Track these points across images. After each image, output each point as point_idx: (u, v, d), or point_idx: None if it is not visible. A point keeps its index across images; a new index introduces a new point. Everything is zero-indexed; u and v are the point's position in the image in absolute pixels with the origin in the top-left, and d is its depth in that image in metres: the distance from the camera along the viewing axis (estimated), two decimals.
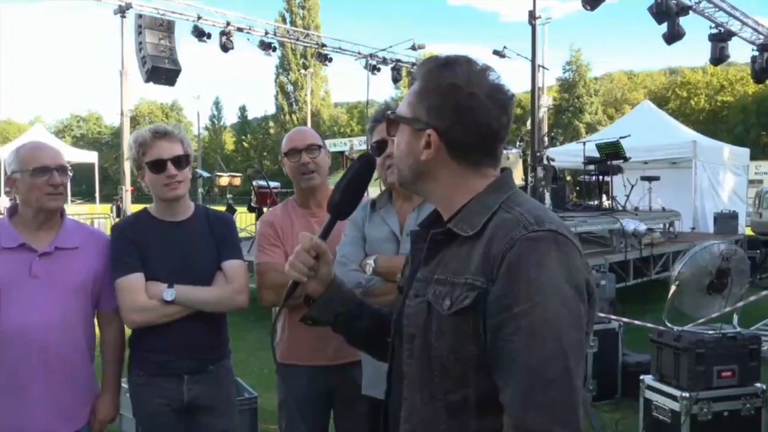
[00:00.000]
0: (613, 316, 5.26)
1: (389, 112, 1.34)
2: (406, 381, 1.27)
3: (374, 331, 1.46)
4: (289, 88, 59.58)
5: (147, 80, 13.51)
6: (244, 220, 11.60)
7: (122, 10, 13.38)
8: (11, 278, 2.18)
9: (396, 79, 19.42)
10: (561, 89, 46.25)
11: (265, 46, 16.14)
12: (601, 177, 11.47)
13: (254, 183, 10.98)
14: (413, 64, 19.35)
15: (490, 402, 1.13)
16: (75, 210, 22.77)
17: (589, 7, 12.03)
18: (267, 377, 5.27)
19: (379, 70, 18.33)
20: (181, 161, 2.39)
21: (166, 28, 13.58)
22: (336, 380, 2.64)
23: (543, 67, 15.88)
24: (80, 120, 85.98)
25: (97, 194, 26.51)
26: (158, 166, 2.36)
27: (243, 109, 71.19)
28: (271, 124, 62.45)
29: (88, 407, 2.40)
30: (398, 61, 18.84)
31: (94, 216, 17.86)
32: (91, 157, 27.09)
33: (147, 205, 2.56)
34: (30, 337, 2.17)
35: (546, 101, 19.41)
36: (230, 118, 74.88)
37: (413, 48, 18.03)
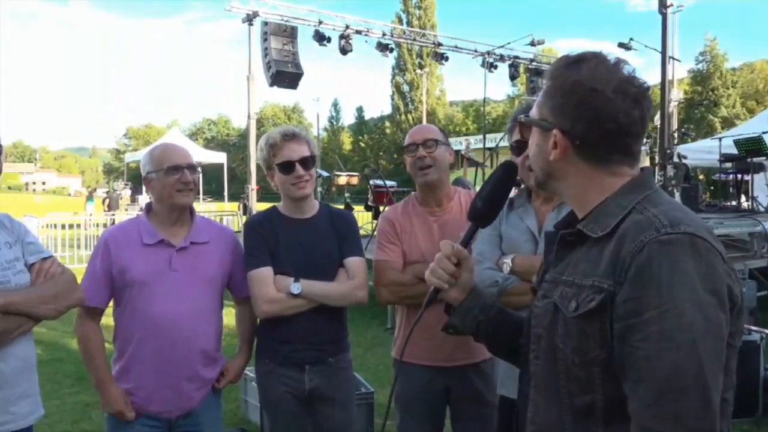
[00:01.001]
0: (753, 327, 4.83)
1: (522, 115, 1.33)
2: (533, 382, 1.26)
3: (516, 338, 1.43)
4: (405, 88, 60.21)
5: (272, 84, 14.16)
6: (361, 218, 11.84)
7: (250, 19, 14.09)
8: (154, 272, 2.38)
9: (513, 77, 18.96)
10: (693, 82, 43.31)
11: (383, 48, 16.33)
12: (739, 176, 10.62)
13: (371, 182, 11.19)
14: (531, 60, 18.83)
15: (618, 410, 1.08)
16: (206, 207, 24.34)
17: None
18: (383, 373, 5.36)
19: (496, 67, 17.93)
20: (307, 162, 2.52)
21: (290, 33, 14.16)
22: (452, 381, 2.63)
23: (674, 58, 14.87)
24: (211, 123, 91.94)
25: (225, 193, 28.12)
26: (287, 167, 2.50)
27: (360, 110, 72.94)
28: (387, 124, 63.41)
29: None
30: (516, 57, 18.35)
31: (223, 213, 18.97)
32: (220, 157, 28.80)
33: (276, 204, 2.69)
34: (174, 325, 2.36)
35: (676, 95, 18.16)
36: (348, 118, 76.88)
37: (532, 44, 17.48)
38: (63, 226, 14.40)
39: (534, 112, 1.29)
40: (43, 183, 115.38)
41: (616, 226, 1.15)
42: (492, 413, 2.58)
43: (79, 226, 15.12)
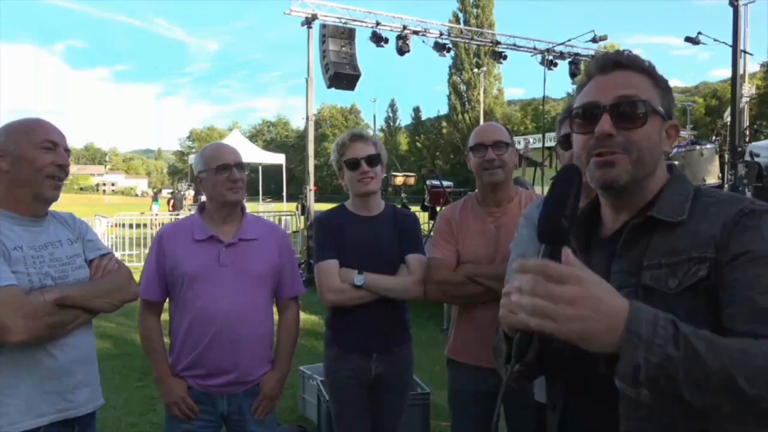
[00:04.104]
0: None
1: (642, 99, 1.23)
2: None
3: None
4: (462, 87, 59.83)
5: (330, 86, 14.32)
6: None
7: (308, 22, 14.27)
8: (204, 266, 2.47)
9: (574, 74, 18.48)
10: (767, 76, 41.26)
11: (440, 48, 16.20)
12: None
13: (428, 182, 11.18)
14: (593, 57, 18.29)
15: None
16: (265, 207, 24.80)
17: None
18: (438, 374, 5.32)
19: (556, 65, 17.53)
20: (373, 160, 2.69)
21: (347, 35, 14.29)
22: (501, 382, 2.60)
23: (746, 51, 14.19)
24: (270, 125, 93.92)
25: (284, 193, 28.55)
26: (353, 164, 2.69)
27: (417, 110, 73.04)
28: (444, 124, 63.20)
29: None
30: (576, 54, 17.91)
31: (282, 213, 19.28)
32: (279, 159, 29.27)
33: (344, 202, 2.85)
34: (221, 318, 2.43)
35: (748, 90, 17.31)
36: (405, 119, 77.11)
37: (594, 40, 16.96)
38: (130, 226, 15.00)
39: (658, 101, 1.27)
40: (113, 184, 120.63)
41: (690, 210, 1.21)
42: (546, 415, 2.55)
43: (145, 225, 15.72)
